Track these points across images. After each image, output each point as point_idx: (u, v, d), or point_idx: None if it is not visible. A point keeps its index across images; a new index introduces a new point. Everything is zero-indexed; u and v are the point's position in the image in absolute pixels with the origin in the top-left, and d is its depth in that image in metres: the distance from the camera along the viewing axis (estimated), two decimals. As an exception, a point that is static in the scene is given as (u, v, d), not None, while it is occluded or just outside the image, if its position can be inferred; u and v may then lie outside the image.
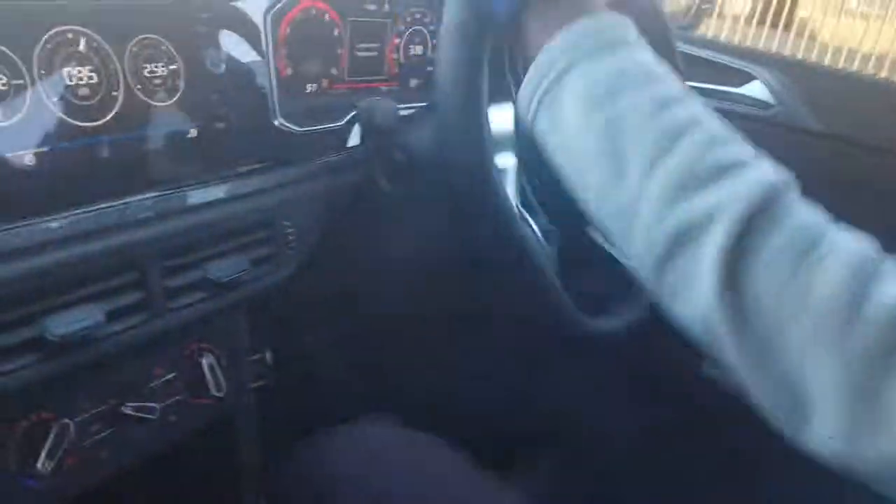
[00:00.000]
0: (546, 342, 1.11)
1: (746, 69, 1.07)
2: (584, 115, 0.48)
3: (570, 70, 0.49)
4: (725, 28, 6.58)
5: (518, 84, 0.57)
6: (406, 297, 1.04)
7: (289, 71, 0.81)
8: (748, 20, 6.99)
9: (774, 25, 6.99)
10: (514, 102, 0.77)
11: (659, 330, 0.59)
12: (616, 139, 0.47)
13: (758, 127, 0.86)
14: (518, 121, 0.72)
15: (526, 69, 0.53)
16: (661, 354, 1.10)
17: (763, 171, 0.45)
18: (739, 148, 0.47)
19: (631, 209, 0.46)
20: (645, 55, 0.51)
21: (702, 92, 1.07)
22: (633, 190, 0.46)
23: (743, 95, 1.05)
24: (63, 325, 0.55)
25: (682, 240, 0.44)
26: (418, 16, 0.96)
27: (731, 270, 0.42)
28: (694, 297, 0.44)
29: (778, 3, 7.16)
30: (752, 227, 0.42)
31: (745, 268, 0.42)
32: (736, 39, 5.79)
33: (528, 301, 0.71)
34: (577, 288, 0.71)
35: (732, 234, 0.42)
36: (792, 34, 6.94)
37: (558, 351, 1.14)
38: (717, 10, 5.99)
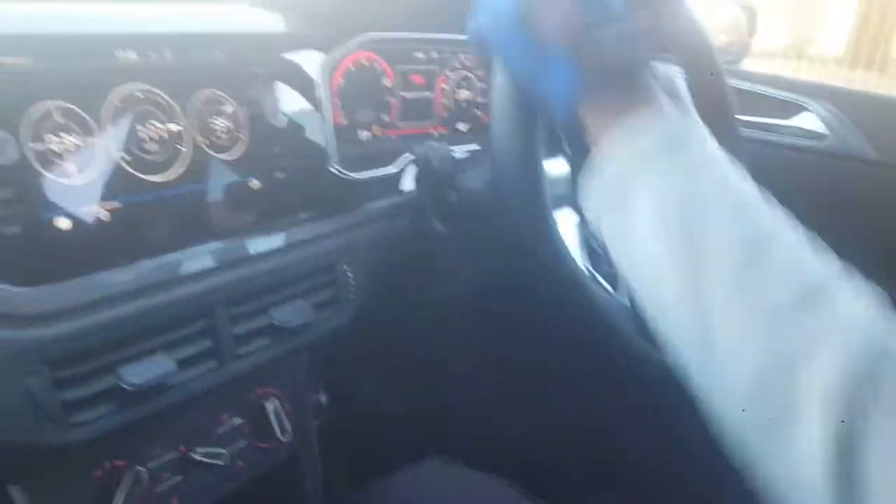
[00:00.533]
0: (612, 380, 1.09)
1: (796, 101, 1.07)
2: (654, 231, 0.43)
3: (636, 178, 0.45)
4: (817, 72, 6.28)
5: (575, 153, 0.58)
6: (462, 339, 1.04)
7: (343, 120, 0.83)
8: (840, 63, 6.71)
9: (868, 67, 6.72)
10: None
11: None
12: (692, 256, 0.41)
13: (812, 158, 0.85)
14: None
15: (581, 143, 0.50)
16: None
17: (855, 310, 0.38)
18: (824, 268, 0.40)
19: (707, 336, 0.40)
20: (714, 153, 0.46)
21: (753, 125, 1.06)
22: (710, 314, 0.40)
23: (795, 127, 1.04)
24: (137, 374, 0.56)
25: (770, 387, 0.37)
26: (466, 62, 0.98)
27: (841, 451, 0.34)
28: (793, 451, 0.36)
29: (873, 43, 6.86)
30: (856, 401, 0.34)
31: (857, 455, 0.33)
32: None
33: (595, 349, 0.70)
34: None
35: (833, 411, 0.34)
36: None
37: (625, 390, 1.12)
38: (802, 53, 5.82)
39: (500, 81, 0.61)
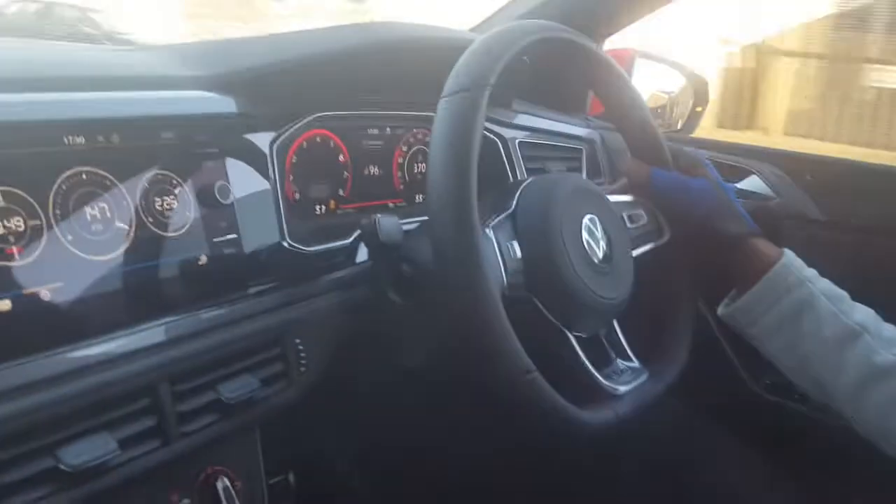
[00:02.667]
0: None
1: (743, 165, 1.10)
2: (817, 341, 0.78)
3: (801, 303, 0.78)
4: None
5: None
6: (424, 407, 1.03)
7: (297, 195, 0.85)
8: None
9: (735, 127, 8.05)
10: None
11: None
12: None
13: (763, 218, 0.87)
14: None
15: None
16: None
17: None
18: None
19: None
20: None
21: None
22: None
23: (744, 190, 1.07)
24: (77, 455, 0.56)
25: None
26: (420, 136, 1.01)
27: None
28: None
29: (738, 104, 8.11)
30: None
31: None
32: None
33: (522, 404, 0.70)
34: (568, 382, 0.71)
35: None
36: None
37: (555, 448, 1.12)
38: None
39: (437, 160, 0.63)
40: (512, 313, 0.65)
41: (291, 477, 1.01)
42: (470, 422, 1.10)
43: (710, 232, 0.83)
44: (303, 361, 0.76)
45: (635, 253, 0.83)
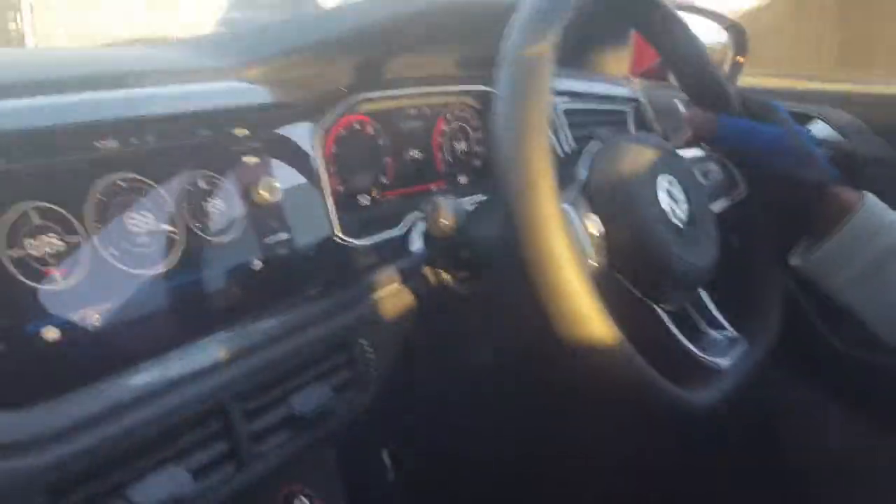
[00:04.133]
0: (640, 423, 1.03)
1: (804, 111, 1.03)
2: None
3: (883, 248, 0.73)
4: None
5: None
6: (498, 397, 0.97)
7: (340, 187, 0.79)
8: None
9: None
10: None
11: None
12: None
13: (842, 163, 0.81)
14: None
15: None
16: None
17: None
18: None
19: None
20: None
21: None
22: None
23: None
24: (148, 493, 0.50)
25: None
26: (458, 112, 0.94)
27: None
28: None
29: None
30: None
31: None
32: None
33: (617, 383, 0.63)
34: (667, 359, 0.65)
35: None
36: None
37: (656, 434, 1.06)
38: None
39: (507, 129, 0.56)
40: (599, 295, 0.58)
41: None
42: (551, 420, 1.04)
43: (787, 181, 0.77)
44: (372, 364, 0.70)
45: (715, 209, 0.77)
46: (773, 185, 0.79)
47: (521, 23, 0.60)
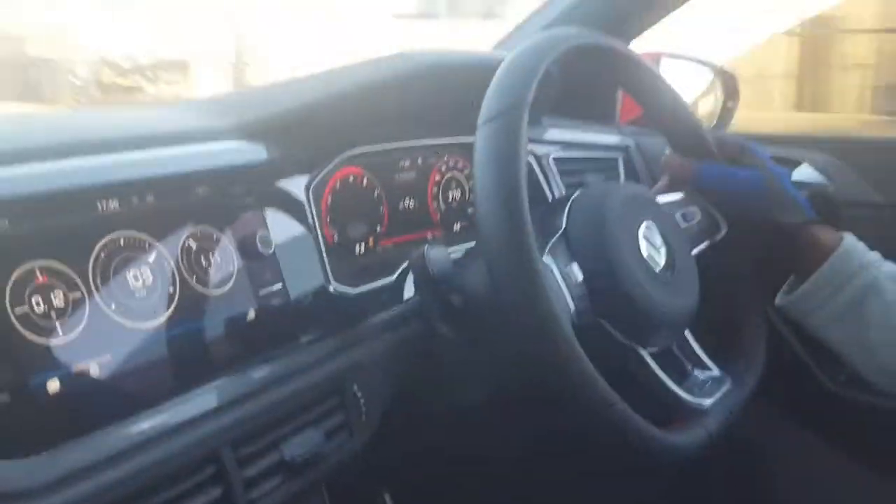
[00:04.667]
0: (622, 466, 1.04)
1: (790, 155, 1.05)
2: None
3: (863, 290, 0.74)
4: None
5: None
6: (487, 440, 0.99)
7: (335, 237, 0.82)
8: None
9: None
10: None
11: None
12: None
13: (821, 205, 0.83)
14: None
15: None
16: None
17: None
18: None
19: None
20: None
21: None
22: None
23: (794, 182, 1.02)
24: None
25: None
26: (451, 163, 0.98)
27: None
28: None
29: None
30: None
31: None
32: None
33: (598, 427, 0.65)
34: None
35: None
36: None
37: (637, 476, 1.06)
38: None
39: (485, 188, 0.60)
40: (581, 341, 0.61)
41: None
42: (538, 458, 1.06)
43: (766, 222, 0.79)
44: (363, 409, 0.73)
45: (694, 252, 0.79)
46: (752, 227, 0.81)
47: (495, 85, 0.64)
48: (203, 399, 0.61)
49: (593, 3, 1.06)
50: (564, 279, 0.67)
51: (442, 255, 0.71)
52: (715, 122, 1.31)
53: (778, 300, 0.81)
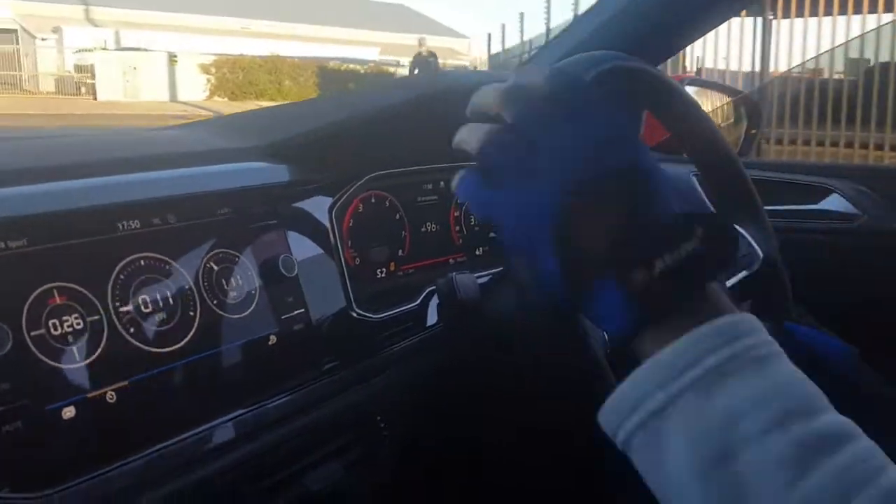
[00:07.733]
0: None
1: (822, 184, 1.03)
2: (694, 472, 0.36)
3: (675, 402, 0.37)
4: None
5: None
6: (516, 469, 0.96)
7: (357, 260, 0.80)
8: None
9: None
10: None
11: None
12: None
13: (847, 239, 0.80)
14: None
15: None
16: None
17: None
18: None
19: None
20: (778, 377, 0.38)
21: (780, 213, 1.03)
22: None
23: (824, 210, 1.00)
24: None
25: None
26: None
27: None
28: None
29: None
30: None
31: None
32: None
33: None
34: None
35: None
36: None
37: None
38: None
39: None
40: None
41: None
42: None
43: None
44: (386, 439, 0.70)
45: (730, 283, 0.77)
46: None
47: None
48: (222, 430, 0.58)
49: (618, 26, 1.05)
50: None
51: (470, 280, 0.69)
52: (737, 149, 1.29)
53: None
